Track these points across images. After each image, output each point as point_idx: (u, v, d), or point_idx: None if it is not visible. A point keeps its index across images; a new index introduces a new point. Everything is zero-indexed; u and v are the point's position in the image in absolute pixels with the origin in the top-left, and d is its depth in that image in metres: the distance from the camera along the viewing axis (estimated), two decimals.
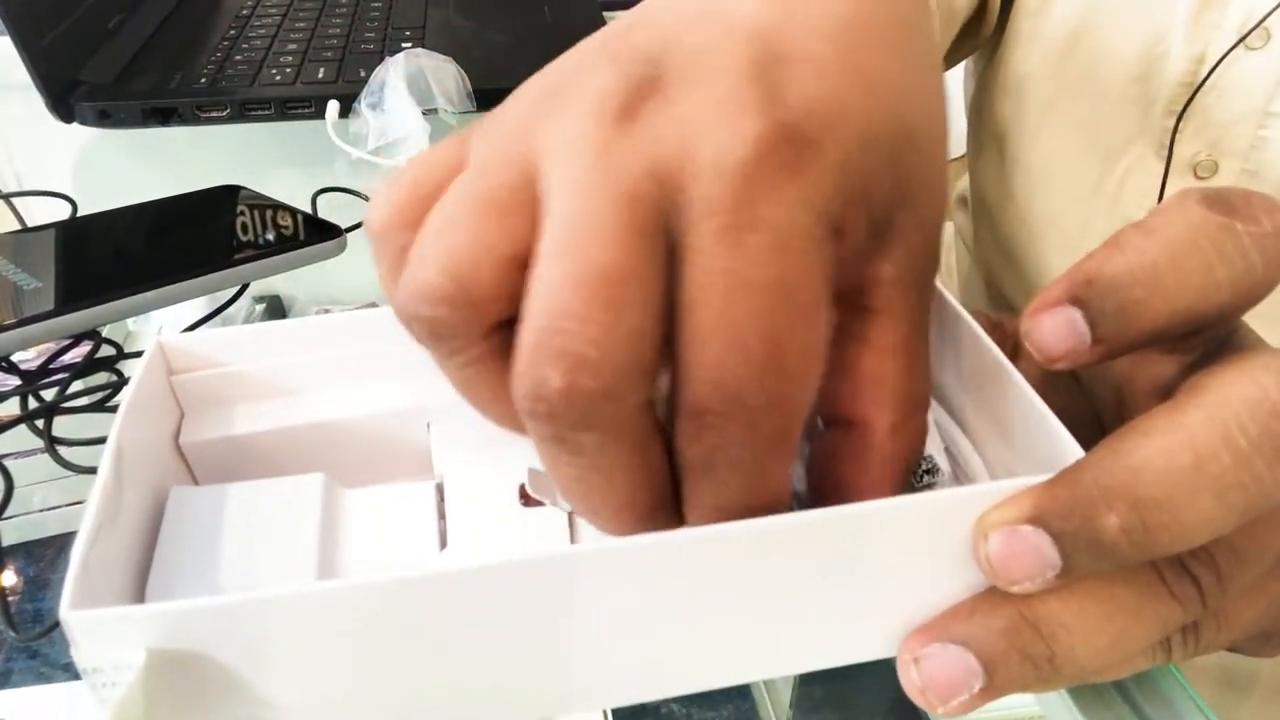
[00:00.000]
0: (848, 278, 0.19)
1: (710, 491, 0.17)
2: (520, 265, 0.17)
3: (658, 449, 0.17)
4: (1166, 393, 0.21)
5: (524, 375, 0.16)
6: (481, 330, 0.17)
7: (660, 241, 0.16)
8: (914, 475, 0.22)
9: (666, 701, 0.41)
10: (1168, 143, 0.46)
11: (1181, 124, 0.45)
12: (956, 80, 0.63)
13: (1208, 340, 0.20)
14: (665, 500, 0.18)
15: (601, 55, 0.18)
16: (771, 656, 0.20)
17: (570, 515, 0.22)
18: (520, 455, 0.23)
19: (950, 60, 0.55)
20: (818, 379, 0.17)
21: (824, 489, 0.20)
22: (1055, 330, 0.19)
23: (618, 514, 0.17)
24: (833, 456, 0.20)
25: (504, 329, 0.17)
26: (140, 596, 0.20)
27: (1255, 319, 0.20)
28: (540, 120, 0.18)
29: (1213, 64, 0.43)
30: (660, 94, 0.17)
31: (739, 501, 0.17)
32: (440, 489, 0.23)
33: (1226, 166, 0.45)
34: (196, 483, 0.24)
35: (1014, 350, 0.21)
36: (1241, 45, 0.43)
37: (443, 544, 0.22)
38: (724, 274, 0.16)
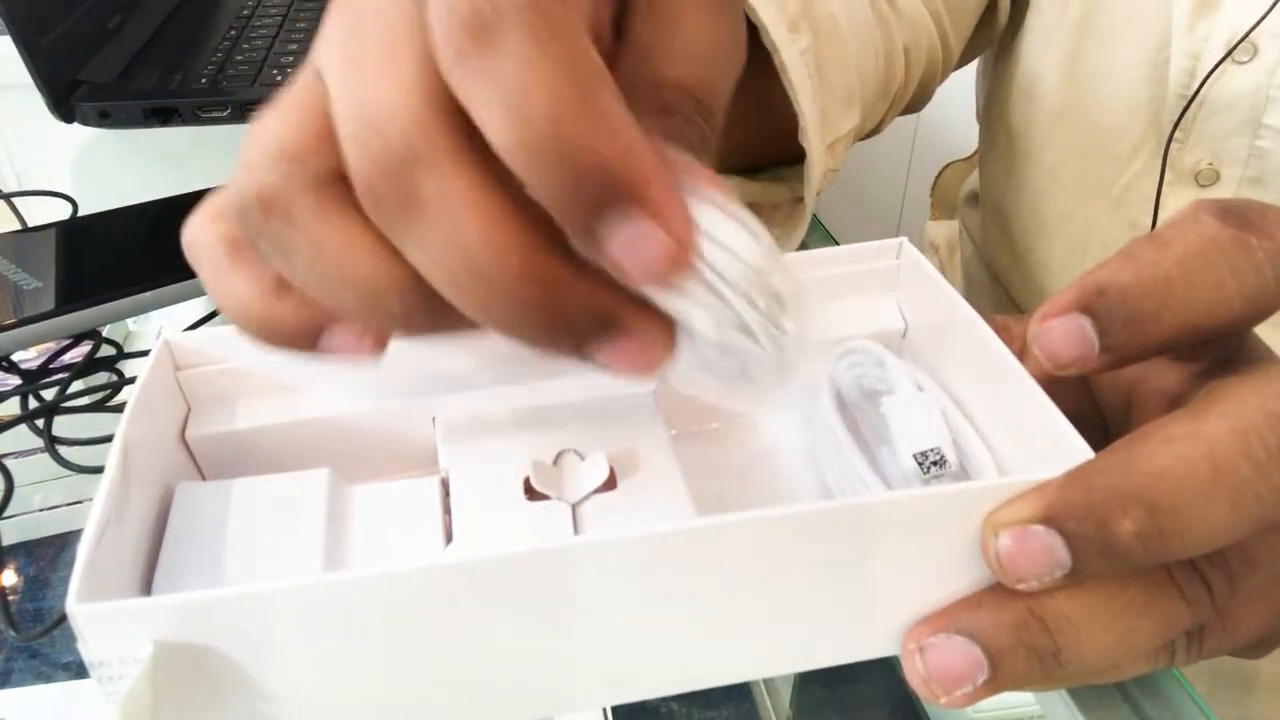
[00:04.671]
0: None
1: (497, 54, 0.15)
2: (327, 135, 0.16)
3: (513, 187, 0.15)
4: (1174, 400, 0.21)
5: (352, 172, 0.16)
6: (310, 178, 0.17)
7: (412, 9, 0.16)
8: (923, 468, 0.22)
9: (666, 701, 0.41)
10: (1163, 149, 0.46)
11: (1183, 133, 0.45)
12: (968, 83, 0.63)
13: (1217, 351, 0.21)
14: (557, 241, 0.16)
15: None
16: (774, 653, 0.20)
17: (575, 508, 0.22)
18: (525, 448, 0.23)
19: (964, 58, 0.55)
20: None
21: None
22: (1064, 337, 0.19)
23: (502, 259, 0.15)
24: None
25: (337, 182, 0.16)
26: (147, 591, 0.20)
27: (1265, 328, 0.20)
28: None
29: (1203, 77, 0.43)
30: None
31: (536, 58, 0.15)
32: (445, 483, 0.23)
33: (1228, 175, 0.45)
34: (203, 478, 0.24)
35: (1021, 351, 0.21)
36: (1229, 59, 0.43)
37: (448, 538, 0.22)
38: None
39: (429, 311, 0.17)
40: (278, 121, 0.18)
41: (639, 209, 0.15)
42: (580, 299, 0.16)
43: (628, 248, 0.15)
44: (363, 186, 0.16)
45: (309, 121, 0.17)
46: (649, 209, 0.15)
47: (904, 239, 0.26)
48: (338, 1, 0.18)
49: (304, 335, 0.18)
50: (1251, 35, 0.42)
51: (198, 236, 0.20)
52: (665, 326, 0.16)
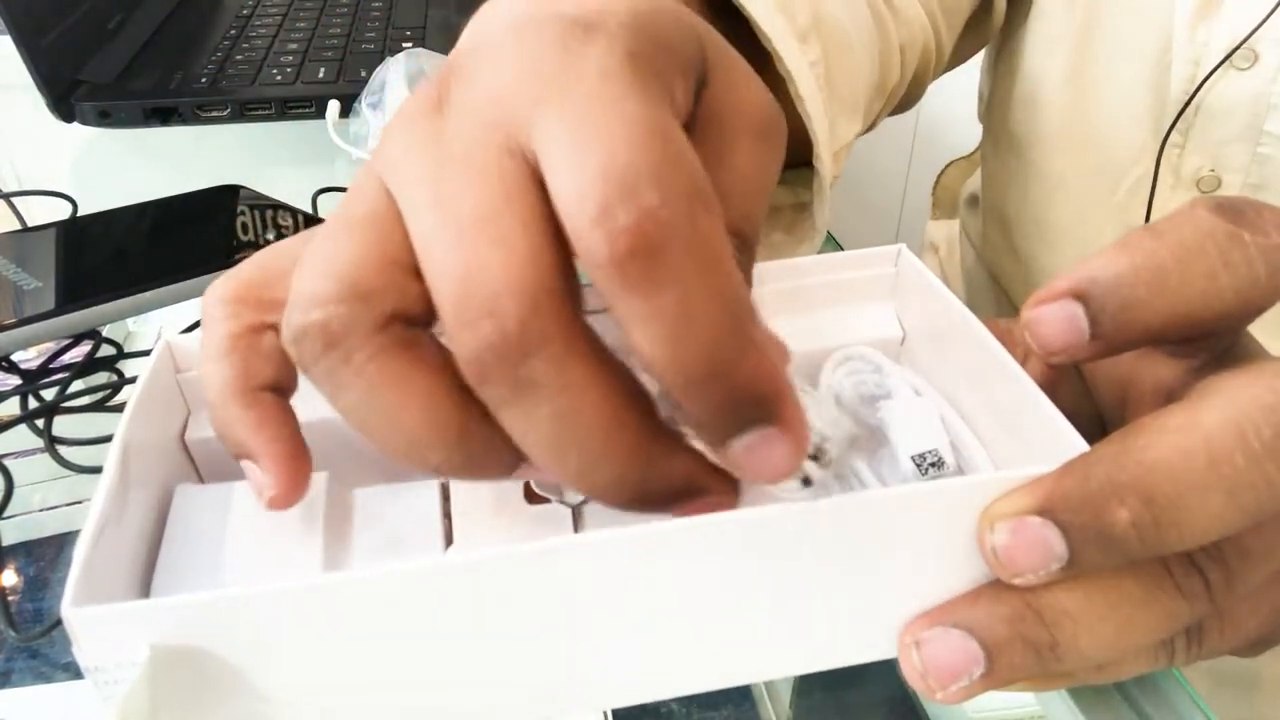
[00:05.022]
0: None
1: (661, 284, 0.15)
2: (400, 266, 0.17)
3: (620, 363, 0.17)
4: (1169, 395, 0.21)
5: (459, 345, 0.16)
6: (375, 322, 0.17)
7: (517, 168, 0.17)
8: (920, 468, 0.22)
9: (666, 701, 0.41)
10: (1156, 157, 0.46)
11: (1183, 139, 0.45)
12: (969, 82, 0.63)
13: (1212, 347, 0.21)
14: (651, 426, 0.17)
15: (405, 103, 0.19)
16: (775, 654, 0.20)
17: (575, 512, 0.22)
18: None
19: (957, 56, 0.55)
20: (697, 169, 0.16)
21: None
22: (1056, 323, 0.19)
23: (609, 439, 0.16)
24: None
25: (398, 325, 0.17)
26: (145, 594, 0.20)
27: (1258, 329, 0.20)
28: (372, 163, 0.19)
29: (1200, 83, 0.43)
30: (455, 79, 0.18)
31: (695, 284, 0.15)
32: (445, 488, 0.23)
33: (1229, 181, 0.45)
34: (202, 480, 0.24)
35: (1024, 356, 0.21)
36: (1229, 65, 0.43)
37: (448, 542, 0.22)
38: (573, 134, 0.16)
39: (467, 467, 0.17)
40: (348, 242, 0.17)
41: (774, 426, 0.16)
42: (676, 473, 0.17)
43: (758, 456, 0.16)
44: (470, 362, 0.16)
45: (381, 253, 0.17)
46: (782, 425, 0.16)
47: (903, 246, 0.26)
48: (415, 109, 0.18)
49: (248, 446, 0.20)
50: (1251, 41, 0.42)
51: (212, 310, 0.21)
52: (735, 485, 0.18)
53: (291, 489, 0.20)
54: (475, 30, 0.20)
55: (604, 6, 0.18)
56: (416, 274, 0.17)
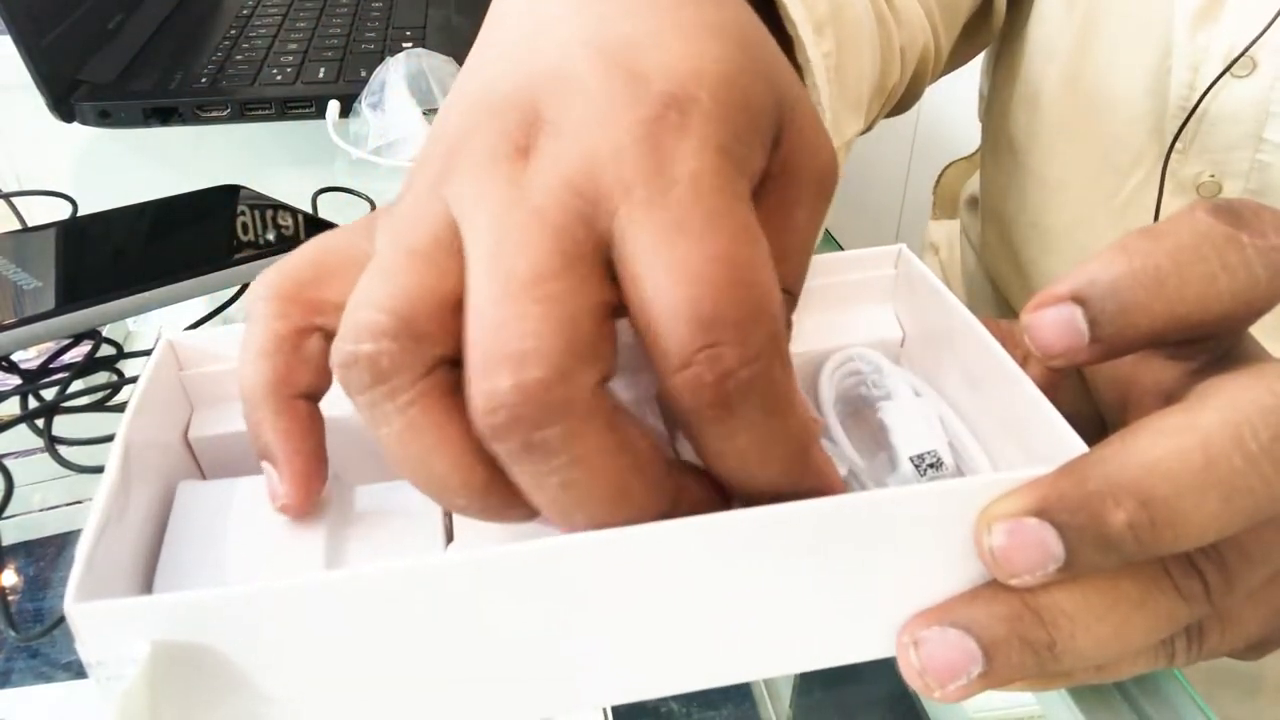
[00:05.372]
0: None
1: (739, 432, 0.17)
2: (453, 308, 0.17)
3: (634, 430, 0.17)
4: (1170, 397, 0.21)
5: (478, 393, 0.16)
6: (424, 365, 0.17)
7: (586, 244, 0.17)
8: (919, 470, 0.22)
9: (666, 701, 0.41)
10: (1162, 163, 0.46)
11: (1183, 145, 0.45)
12: (969, 82, 0.63)
13: (1212, 349, 0.21)
14: (661, 482, 0.18)
15: (480, 112, 0.19)
16: (774, 653, 0.20)
17: None
18: None
19: (959, 55, 0.55)
20: (775, 278, 0.17)
21: None
22: (1055, 327, 0.19)
23: (615, 506, 0.17)
24: None
25: (444, 368, 0.17)
26: (147, 591, 0.20)
27: (1259, 331, 0.21)
28: (443, 183, 0.18)
29: (1203, 89, 0.43)
30: (544, 124, 0.18)
31: (767, 427, 0.17)
32: None
33: (1229, 188, 0.45)
34: (204, 478, 0.24)
35: (1024, 358, 0.21)
36: (1228, 74, 0.43)
37: (448, 540, 0.22)
38: (662, 230, 0.17)
39: (490, 514, 0.18)
40: (408, 275, 0.17)
41: None
42: (681, 513, 0.18)
43: None
44: (483, 414, 0.16)
45: (438, 292, 0.17)
46: None
47: (903, 246, 0.26)
48: (499, 145, 0.18)
49: (270, 451, 0.20)
50: (1251, 50, 0.42)
51: (260, 306, 0.21)
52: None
53: (304, 502, 0.20)
54: (555, 41, 0.19)
55: (697, 68, 0.18)
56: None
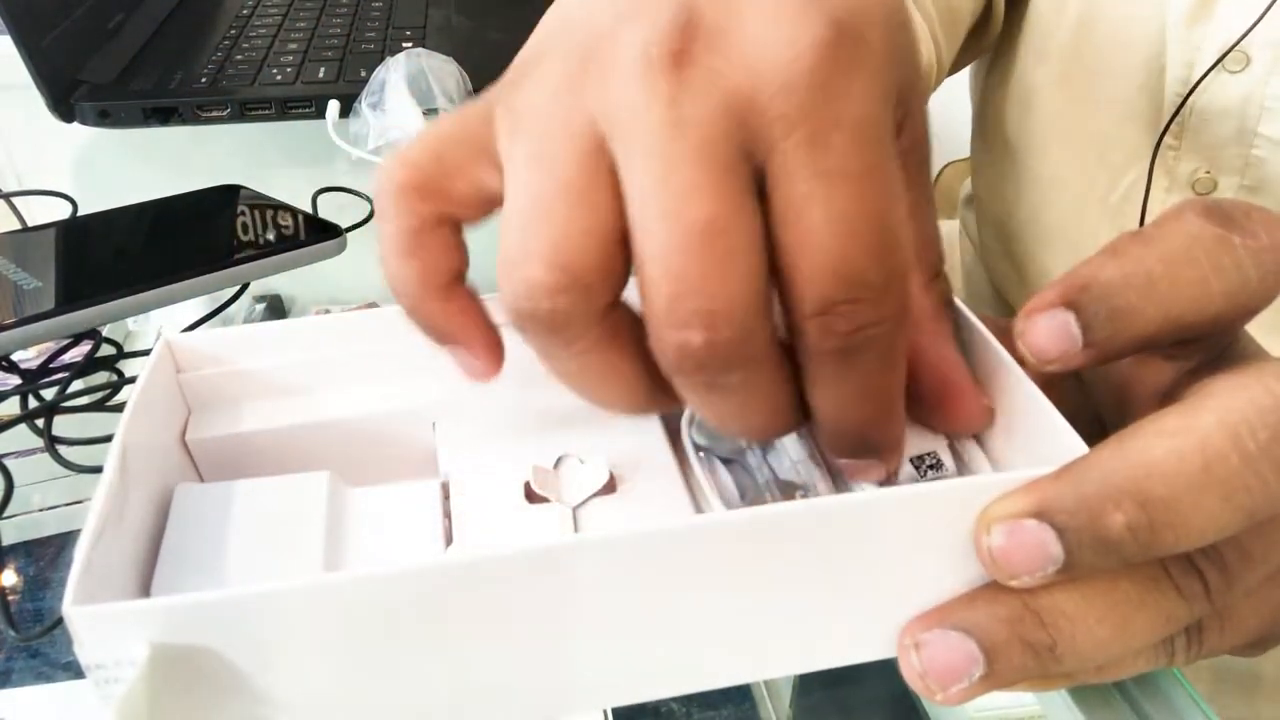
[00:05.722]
0: None
1: (851, 376, 0.18)
2: (618, 239, 0.17)
3: (785, 360, 0.19)
4: (1166, 397, 0.21)
5: (666, 341, 0.17)
6: (598, 314, 0.18)
7: (746, 174, 0.17)
8: (919, 471, 0.22)
9: (666, 701, 0.41)
10: (1150, 159, 0.46)
11: (1178, 142, 0.45)
12: (962, 85, 0.63)
13: (1208, 348, 0.21)
14: (795, 399, 0.19)
15: (626, 5, 0.18)
16: (773, 654, 0.20)
17: (575, 512, 0.22)
18: (525, 453, 0.23)
19: (958, 64, 0.55)
20: (910, 239, 0.18)
21: None
22: (1048, 332, 0.19)
23: (768, 425, 0.19)
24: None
25: (615, 311, 0.18)
26: (145, 593, 0.20)
27: (1256, 328, 0.20)
28: (587, 87, 0.18)
29: (1193, 85, 0.43)
30: (703, 31, 0.17)
31: (875, 380, 0.18)
32: (445, 487, 0.23)
33: (1225, 184, 0.45)
34: (202, 480, 0.24)
35: (1022, 359, 0.21)
36: (1221, 68, 0.43)
37: (448, 542, 0.22)
38: (821, 176, 0.17)
39: (644, 415, 0.21)
40: (568, 219, 0.17)
41: (878, 461, 0.21)
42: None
43: (853, 469, 0.21)
44: (669, 358, 0.17)
45: (602, 234, 0.17)
46: (883, 462, 0.21)
47: None
48: (654, 47, 0.17)
49: (457, 337, 0.21)
50: (1243, 44, 0.42)
51: (392, 198, 0.20)
52: None
53: (497, 364, 0.21)
54: None
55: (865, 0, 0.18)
56: (628, 244, 0.17)
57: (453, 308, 0.21)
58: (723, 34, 0.17)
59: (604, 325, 0.18)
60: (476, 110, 0.20)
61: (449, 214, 0.21)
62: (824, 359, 0.18)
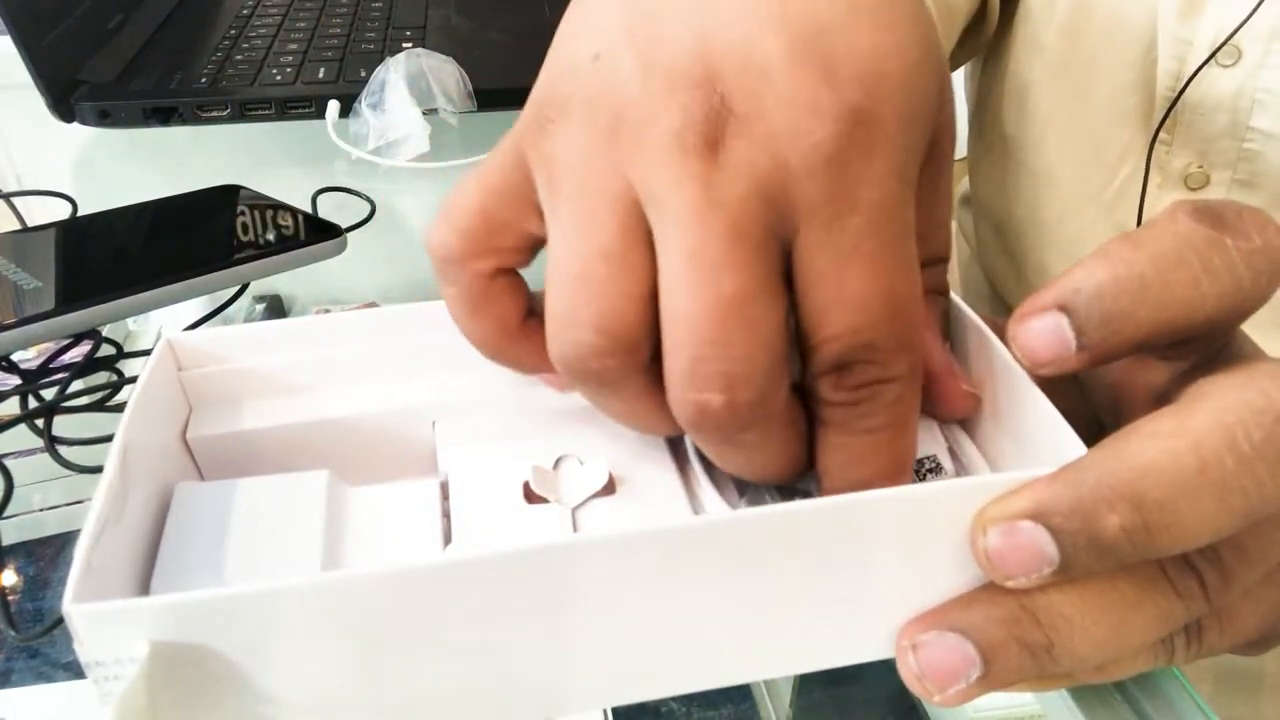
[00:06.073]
0: None
1: (858, 430, 0.19)
2: (651, 300, 0.19)
3: (800, 413, 0.20)
4: (1162, 398, 0.21)
5: (686, 401, 0.18)
6: (641, 368, 0.19)
7: (773, 249, 0.18)
8: (919, 474, 0.22)
9: (666, 701, 0.41)
10: (1146, 155, 0.46)
11: (1170, 136, 0.45)
12: (957, 83, 0.63)
13: (1204, 349, 0.21)
14: (807, 449, 0.20)
15: (655, 80, 0.19)
16: (773, 654, 0.20)
17: (574, 513, 0.22)
18: (524, 453, 0.23)
19: (955, 62, 0.55)
20: (922, 306, 0.19)
21: None
22: (1041, 336, 0.19)
23: (780, 474, 0.20)
24: None
25: (652, 363, 0.19)
26: (145, 591, 0.20)
27: (1253, 327, 0.20)
28: (622, 154, 0.19)
29: (1187, 79, 0.43)
30: (732, 117, 0.18)
31: (884, 439, 0.19)
32: (444, 487, 0.23)
33: (1217, 178, 0.45)
34: (202, 478, 0.24)
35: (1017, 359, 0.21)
36: (1214, 62, 0.43)
37: (447, 541, 0.22)
38: (838, 257, 0.18)
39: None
40: (610, 285, 0.19)
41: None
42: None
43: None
44: (687, 417, 0.19)
45: (642, 298, 0.19)
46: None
47: None
48: (687, 135, 0.18)
49: (541, 367, 0.22)
50: (1235, 38, 0.42)
51: (451, 264, 0.22)
52: None
53: None
54: (734, 6, 0.19)
55: (881, 71, 0.18)
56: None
57: (531, 346, 0.22)
58: (750, 123, 0.18)
59: (648, 375, 0.19)
60: (509, 158, 0.21)
61: (504, 266, 0.22)
62: (833, 411, 0.19)
